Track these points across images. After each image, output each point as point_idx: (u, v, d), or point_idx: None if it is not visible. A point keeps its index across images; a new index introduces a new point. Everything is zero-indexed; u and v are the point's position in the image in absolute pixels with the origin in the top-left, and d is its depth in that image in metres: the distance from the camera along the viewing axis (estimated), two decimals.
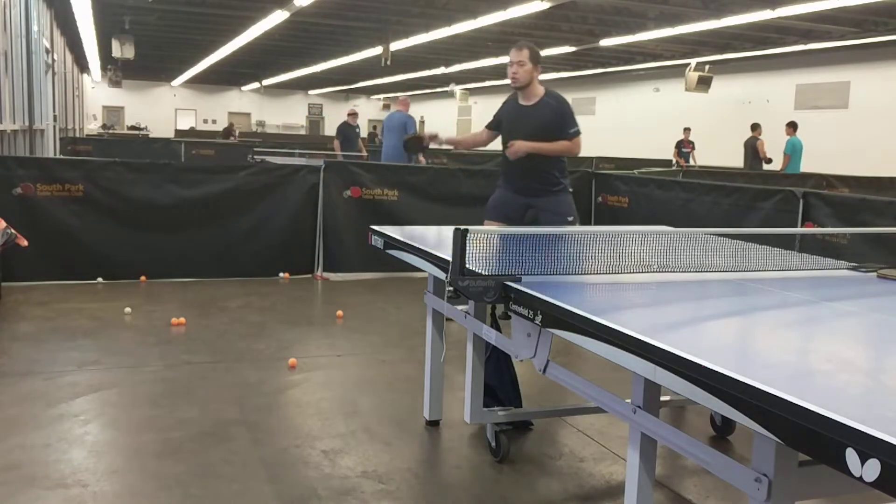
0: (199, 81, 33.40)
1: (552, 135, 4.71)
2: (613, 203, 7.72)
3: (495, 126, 5.05)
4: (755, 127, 15.28)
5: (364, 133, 17.00)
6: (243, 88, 36.24)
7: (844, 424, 1.26)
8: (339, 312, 5.38)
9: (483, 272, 2.46)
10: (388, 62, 17.27)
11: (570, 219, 5.01)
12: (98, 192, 6.27)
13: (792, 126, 14.56)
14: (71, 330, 4.85)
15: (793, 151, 14.44)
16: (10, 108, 9.61)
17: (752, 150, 15.05)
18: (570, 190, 5.11)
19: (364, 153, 13.35)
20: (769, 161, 15.05)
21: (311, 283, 6.74)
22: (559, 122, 4.74)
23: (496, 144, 5.13)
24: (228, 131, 23.91)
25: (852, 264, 3.00)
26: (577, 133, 4.78)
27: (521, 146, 4.67)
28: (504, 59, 21.47)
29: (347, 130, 13.53)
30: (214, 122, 35.94)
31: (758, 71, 19.18)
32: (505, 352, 2.92)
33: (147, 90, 35.12)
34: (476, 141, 5.34)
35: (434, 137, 5.14)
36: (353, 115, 13.90)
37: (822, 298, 2.48)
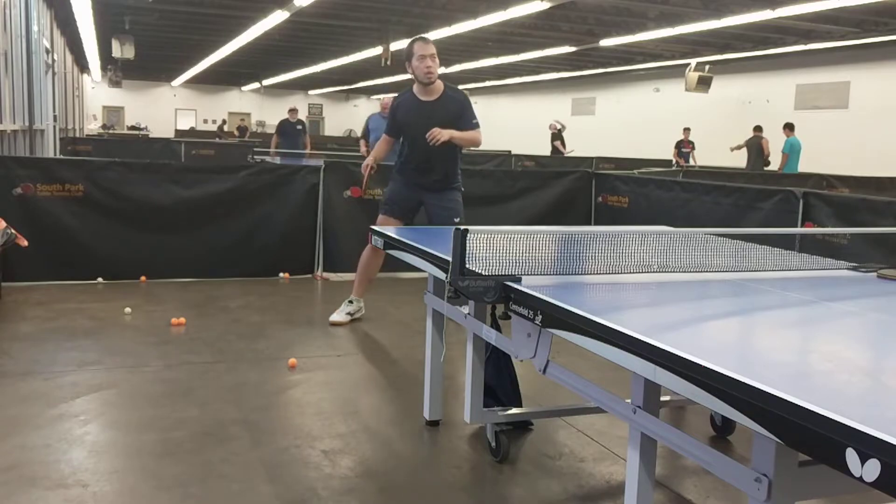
0: (199, 81, 33.41)
1: (461, 128, 4.76)
2: (613, 203, 7.72)
3: (395, 131, 5.03)
4: (758, 128, 15.34)
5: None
6: (243, 88, 36.25)
7: (844, 424, 1.26)
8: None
9: (483, 272, 2.46)
10: (388, 62, 17.27)
11: (457, 220, 4.99)
12: (98, 192, 6.27)
13: (789, 127, 14.60)
14: (71, 330, 4.85)
15: (791, 151, 14.48)
16: (10, 108, 9.62)
17: (757, 150, 15.10)
18: (462, 189, 5.19)
19: (307, 149, 13.58)
20: (768, 163, 15.11)
21: (311, 283, 6.74)
22: (466, 114, 4.81)
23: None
24: (243, 129, 24.17)
25: (852, 264, 3.00)
26: (478, 125, 4.87)
27: (439, 132, 4.64)
28: (504, 59, 21.42)
29: (287, 126, 13.85)
30: (214, 122, 35.95)
31: (758, 71, 19.19)
32: (505, 352, 2.92)
33: (147, 90, 35.13)
34: (387, 149, 5.22)
35: (370, 171, 5.09)
36: (294, 111, 14.34)
37: (821, 298, 2.48)
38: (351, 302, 5.29)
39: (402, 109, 4.99)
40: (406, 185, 5.05)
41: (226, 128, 31.04)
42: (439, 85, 4.86)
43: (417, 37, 4.94)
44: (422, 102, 4.88)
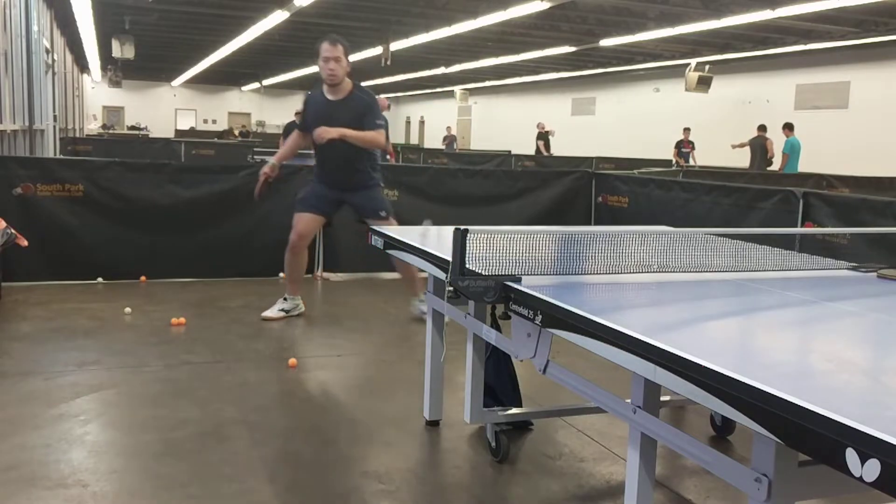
0: (199, 81, 33.42)
1: (363, 128, 4.83)
2: (613, 203, 7.72)
3: (304, 127, 5.11)
4: (762, 128, 15.35)
5: None
6: (243, 88, 36.26)
7: (844, 424, 1.26)
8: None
9: (483, 272, 2.46)
10: (388, 62, 17.28)
11: (383, 213, 5.11)
12: (98, 192, 6.27)
13: (789, 127, 14.61)
14: (71, 330, 4.85)
15: (791, 151, 14.50)
16: (10, 108, 9.62)
17: (762, 150, 15.11)
18: (382, 185, 5.27)
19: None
20: (771, 163, 15.12)
21: (311, 283, 6.74)
22: (369, 115, 4.87)
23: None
24: (245, 132, 24.30)
25: (852, 264, 3.00)
26: (381, 126, 4.96)
27: (325, 131, 4.73)
28: (504, 59, 21.45)
29: (293, 128, 14.04)
30: (214, 122, 35.96)
31: (758, 71, 19.19)
32: (505, 352, 2.92)
33: (147, 90, 35.15)
34: (296, 145, 5.36)
35: (271, 175, 5.19)
36: (300, 114, 14.50)
37: (821, 298, 2.48)
38: (286, 299, 5.32)
39: (309, 107, 5.11)
40: (322, 184, 5.16)
41: (236, 132, 30.94)
42: (347, 84, 4.93)
43: (326, 36, 4.96)
44: (328, 101, 4.97)
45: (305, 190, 5.27)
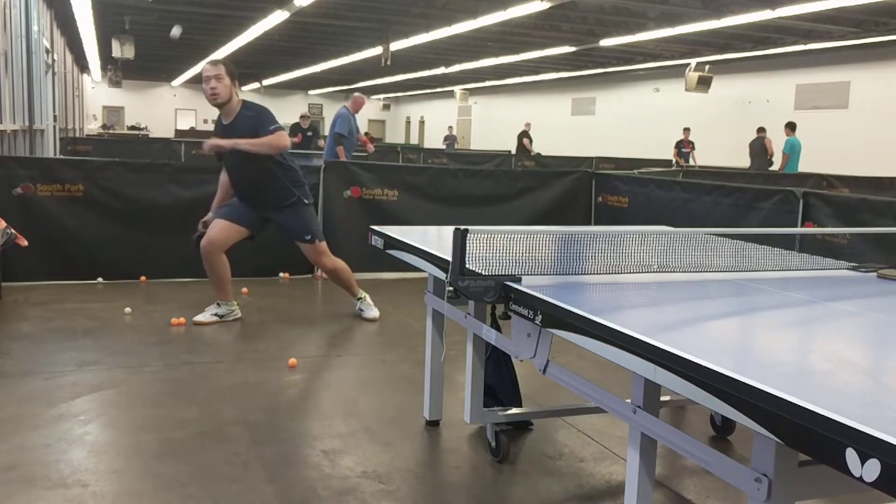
0: (199, 81, 33.26)
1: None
2: (613, 203, 7.72)
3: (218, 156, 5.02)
4: (762, 129, 15.36)
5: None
6: (243, 88, 36.23)
7: (844, 424, 1.26)
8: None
9: (483, 272, 2.46)
10: (388, 62, 17.29)
11: (308, 237, 4.99)
12: (98, 192, 6.27)
13: (790, 127, 14.60)
14: (71, 330, 4.85)
15: (791, 151, 14.50)
16: (10, 108, 9.62)
17: (762, 150, 15.11)
18: (308, 202, 5.03)
19: (322, 150, 14.24)
20: (772, 163, 15.12)
21: (311, 283, 6.74)
22: (262, 124, 4.70)
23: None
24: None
25: (852, 264, 3.00)
26: (278, 128, 4.75)
27: (212, 142, 4.70)
28: (504, 59, 21.50)
29: (298, 131, 15.37)
30: (214, 122, 35.98)
31: (758, 71, 19.19)
32: (505, 352, 2.92)
33: (147, 90, 35.15)
34: (227, 184, 5.12)
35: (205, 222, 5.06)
36: (305, 117, 15.83)
37: (821, 298, 2.48)
38: (218, 305, 5.18)
39: (214, 135, 4.97)
40: (244, 203, 5.01)
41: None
42: (234, 105, 4.82)
43: (208, 59, 4.91)
44: (224, 126, 4.88)
45: (233, 201, 5.07)
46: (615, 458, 3.20)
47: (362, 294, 5.48)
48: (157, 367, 4.19)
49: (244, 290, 6.02)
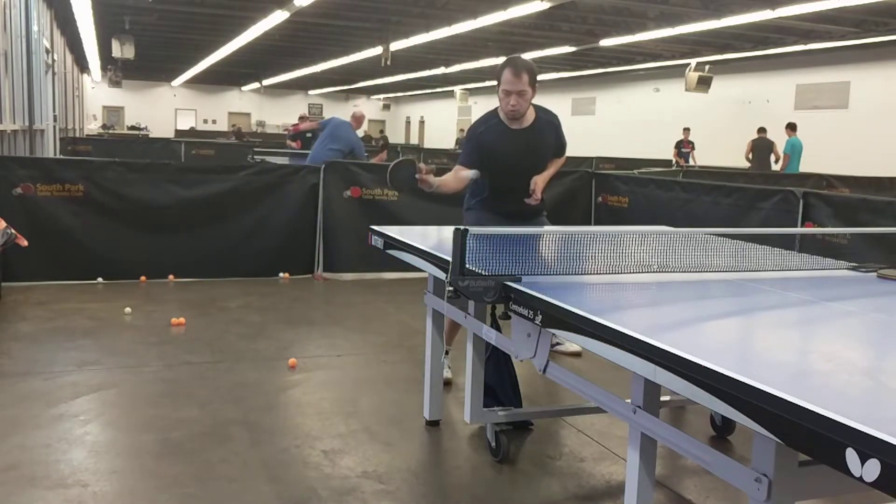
0: (199, 81, 33.39)
1: (554, 154, 4.00)
2: (613, 203, 7.72)
3: (479, 165, 3.83)
4: (762, 129, 15.33)
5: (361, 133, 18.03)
6: (243, 88, 36.23)
7: (844, 424, 1.26)
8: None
9: (483, 272, 2.46)
10: (388, 62, 17.28)
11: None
12: (98, 192, 6.27)
13: (791, 127, 14.60)
14: (71, 330, 4.85)
15: (792, 151, 14.49)
16: (10, 108, 9.61)
17: (768, 151, 15.08)
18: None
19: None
20: (776, 161, 15.10)
21: (310, 283, 6.74)
22: (560, 139, 4.02)
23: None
24: (239, 133, 24.41)
25: (852, 264, 3.00)
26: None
27: (541, 188, 3.82)
28: (503, 59, 21.34)
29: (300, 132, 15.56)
30: (214, 122, 35.95)
31: (758, 71, 19.18)
32: (505, 352, 2.92)
33: (147, 90, 35.13)
34: (460, 185, 3.90)
35: (428, 175, 3.70)
36: (304, 118, 15.83)
37: (821, 298, 2.48)
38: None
39: (486, 140, 3.91)
40: (493, 214, 3.98)
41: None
42: (531, 109, 3.89)
43: (508, 58, 3.78)
44: (512, 131, 3.87)
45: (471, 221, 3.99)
46: (615, 458, 3.19)
47: None
48: (156, 367, 4.19)
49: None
